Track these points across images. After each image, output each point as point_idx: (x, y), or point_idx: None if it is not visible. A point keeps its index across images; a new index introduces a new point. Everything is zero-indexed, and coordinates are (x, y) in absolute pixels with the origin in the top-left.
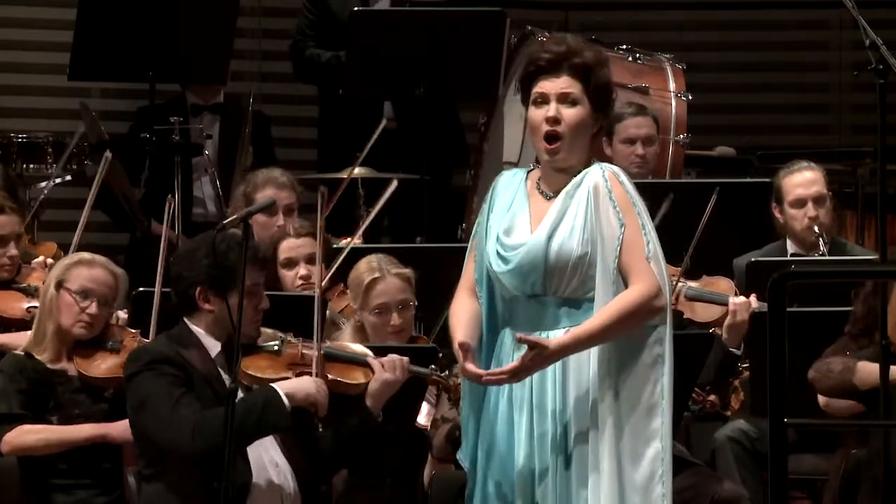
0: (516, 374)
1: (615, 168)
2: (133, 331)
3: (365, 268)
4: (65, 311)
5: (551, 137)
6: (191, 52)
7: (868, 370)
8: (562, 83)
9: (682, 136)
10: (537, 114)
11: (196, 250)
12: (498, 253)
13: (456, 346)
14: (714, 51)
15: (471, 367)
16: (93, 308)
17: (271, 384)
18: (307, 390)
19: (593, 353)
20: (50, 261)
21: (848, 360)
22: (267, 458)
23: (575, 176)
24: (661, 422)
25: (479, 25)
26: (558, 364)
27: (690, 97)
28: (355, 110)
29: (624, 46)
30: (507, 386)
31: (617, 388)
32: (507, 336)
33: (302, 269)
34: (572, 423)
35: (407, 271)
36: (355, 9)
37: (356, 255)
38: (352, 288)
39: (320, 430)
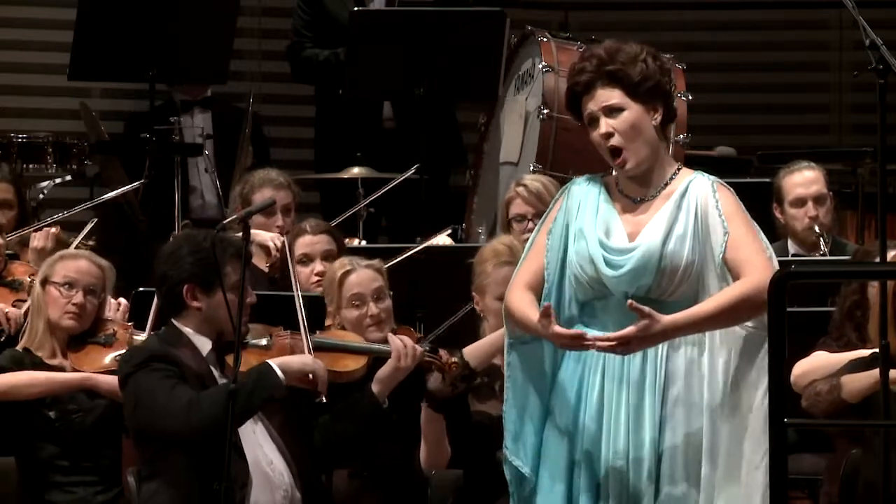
0: (627, 344)
1: (720, 179)
2: (126, 323)
3: (337, 265)
4: (52, 304)
5: (613, 152)
6: (191, 52)
7: (853, 381)
8: (601, 98)
9: (682, 136)
10: (594, 135)
11: (179, 249)
12: (605, 259)
13: (533, 322)
14: (714, 51)
15: (560, 329)
16: (78, 297)
17: (266, 360)
18: (302, 361)
19: (706, 367)
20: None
21: (832, 379)
22: (261, 456)
23: (661, 179)
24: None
25: (479, 25)
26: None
27: (690, 97)
28: (352, 110)
29: None
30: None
31: (734, 399)
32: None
33: (318, 266)
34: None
35: (377, 262)
36: (355, 9)
37: (357, 255)
38: (326, 290)
39: (323, 400)
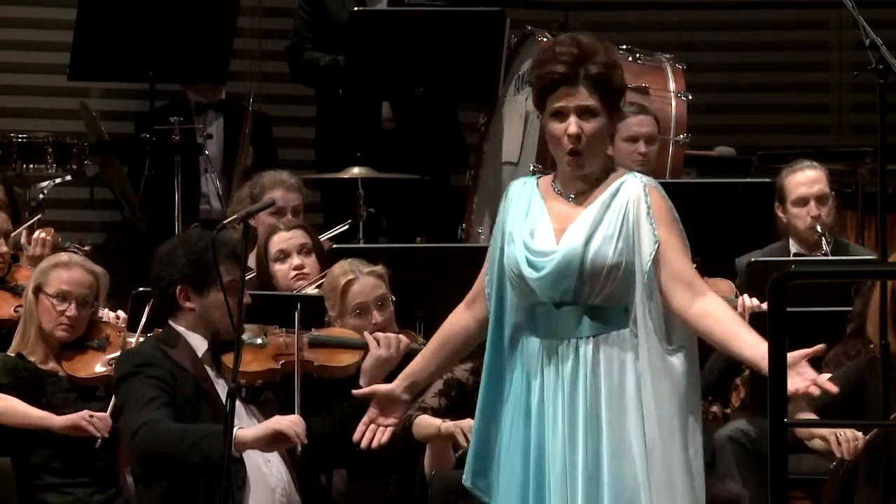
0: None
1: (654, 181)
2: (119, 325)
3: (338, 271)
4: (44, 315)
5: (573, 153)
6: (191, 52)
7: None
8: (580, 97)
9: (682, 136)
10: (558, 128)
11: (174, 250)
12: (527, 260)
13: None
14: (714, 51)
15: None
16: (71, 310)
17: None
18: (257, 430)
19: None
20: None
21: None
22: (259, 455)
23: (597, 178)
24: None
25: (479, 25)
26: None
27: (690, 97)
28: (353, 110)
29: (624, 46)
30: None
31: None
32: (531, 343)
33: (295, 260)
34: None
35: (379, 268)
36: (355, 9)
37: (357, 255)
38: (328, 296)
39: (298, 451)
